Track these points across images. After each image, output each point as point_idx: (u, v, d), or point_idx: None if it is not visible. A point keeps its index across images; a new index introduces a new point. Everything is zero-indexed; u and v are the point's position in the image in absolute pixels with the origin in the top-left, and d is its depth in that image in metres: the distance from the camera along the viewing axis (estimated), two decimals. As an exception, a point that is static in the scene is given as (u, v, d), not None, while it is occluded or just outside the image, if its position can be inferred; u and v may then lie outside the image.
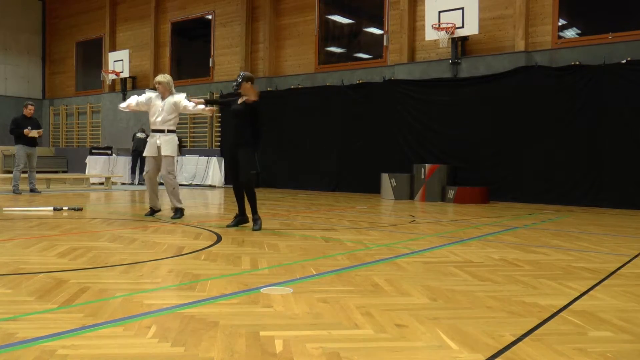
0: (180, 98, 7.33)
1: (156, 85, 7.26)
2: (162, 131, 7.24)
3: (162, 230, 6.04)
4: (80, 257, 4.27)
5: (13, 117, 11.86)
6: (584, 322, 2.73)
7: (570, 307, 3.02)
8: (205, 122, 17.32)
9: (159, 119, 7.23)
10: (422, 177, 11.46)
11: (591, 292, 3.38)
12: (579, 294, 3.31)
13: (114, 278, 3.59)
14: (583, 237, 6.05)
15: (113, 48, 20.09)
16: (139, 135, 16.00)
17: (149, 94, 7.40)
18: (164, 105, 7.26)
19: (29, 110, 11.57)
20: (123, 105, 7.57)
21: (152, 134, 7.32)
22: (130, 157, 16.46)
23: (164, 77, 7.33)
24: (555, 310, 2.93)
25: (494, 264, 4.28)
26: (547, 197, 10.79)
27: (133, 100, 7.46)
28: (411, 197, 11.65)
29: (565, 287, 3.50)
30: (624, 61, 10.23)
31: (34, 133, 11.33)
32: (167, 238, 5.44)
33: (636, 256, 4.79)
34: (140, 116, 18.82)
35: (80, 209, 8.01)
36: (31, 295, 3.06)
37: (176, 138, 7.40)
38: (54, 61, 22.88)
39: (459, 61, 12.12)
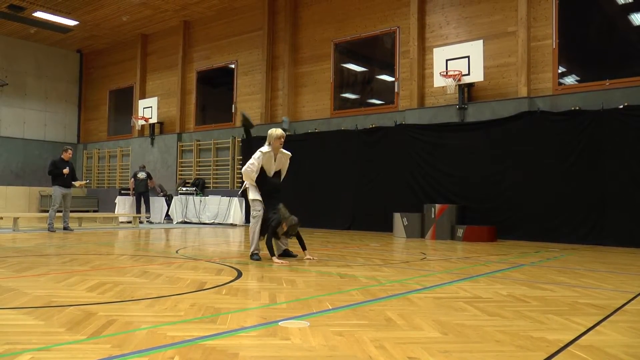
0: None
1: (282, 140, 6.83)
2: None
3: (186, 267, 6.05)
4: (109, 291, 4.29)
5: (51, 159, 12.17)
6: (591, 357, 2.66)
7: (577, 342, 2.95)
8: (227, 164, 17.47)
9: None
10: (433, 216, 11.39)
11: (597, 328, 3.30)
12: (585, 329, 3.24)
13: (140, 311, 3.59)
14: (588, 274, 5.94)
15: (143, 96, 20.55)
16: (140, 175, 16.04)
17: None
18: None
19: (68, 154, 11.86)
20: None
21: None
22: (134, 198, 16.09)
23: None
24: (562, 345, 2.87)
25: (502, 300, 4.21)
26: (552, 235, 10.63)
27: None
28: (422, 235, 11.56)
29: (572, 323, 3.42)
30: (621, 106, 10.21)
31: (76, 185, 12.03)
32: (190, 274, 5.44)
33: (641, 293, 4.69)
34: (167, 158, 19.08)
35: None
36: (62, 327, 3.07)
37: None
38: (88, 108, 23.42)
39: (466, 106, 12.19)
